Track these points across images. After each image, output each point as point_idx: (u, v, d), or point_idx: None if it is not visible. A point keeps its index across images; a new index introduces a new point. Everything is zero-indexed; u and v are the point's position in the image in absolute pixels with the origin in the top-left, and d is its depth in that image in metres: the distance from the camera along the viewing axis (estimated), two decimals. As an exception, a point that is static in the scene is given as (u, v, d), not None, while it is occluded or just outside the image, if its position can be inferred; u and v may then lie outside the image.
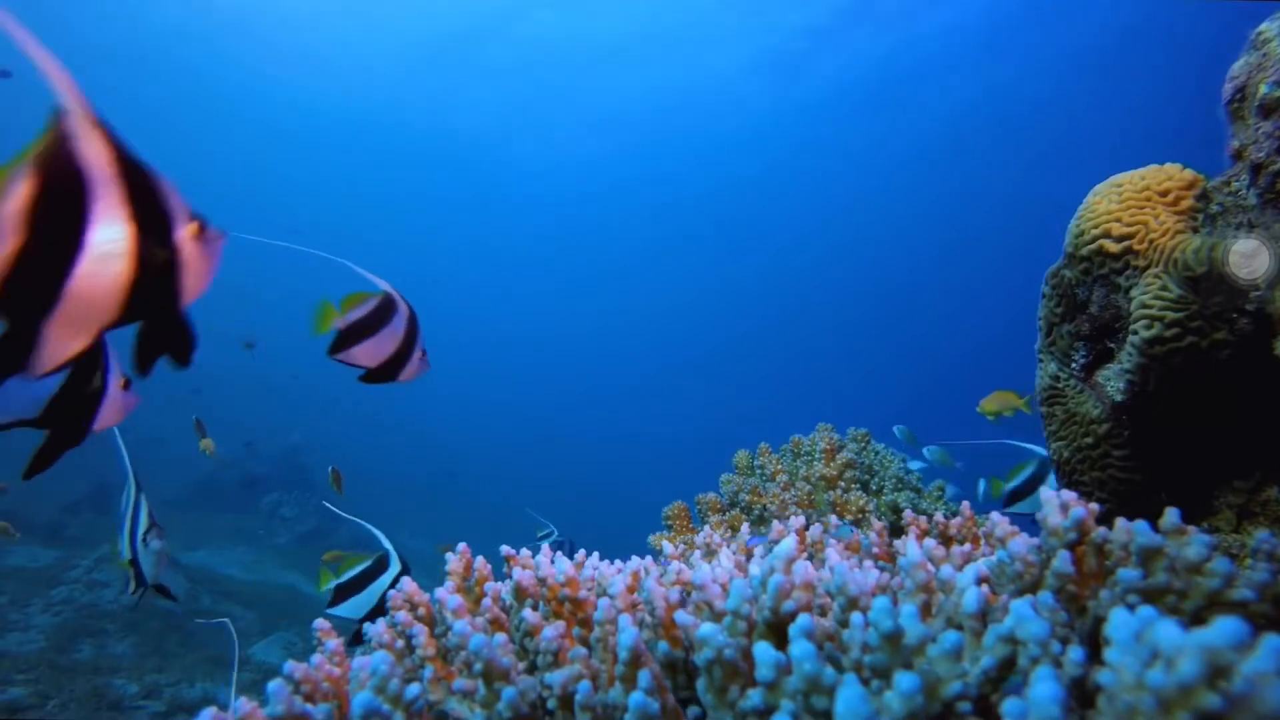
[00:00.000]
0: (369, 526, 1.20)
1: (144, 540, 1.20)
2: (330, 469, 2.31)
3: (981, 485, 2.11)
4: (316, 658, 0.60)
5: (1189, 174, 0.91)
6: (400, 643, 0.65)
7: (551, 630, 0.56)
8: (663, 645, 0.53)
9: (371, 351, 0.96)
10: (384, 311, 0.95)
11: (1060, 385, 1.00)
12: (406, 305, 0.98)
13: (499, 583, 0.72)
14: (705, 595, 0.52)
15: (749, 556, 0.88)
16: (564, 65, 12.50)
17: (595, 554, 0.78)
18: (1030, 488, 1.28)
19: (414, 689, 0.53)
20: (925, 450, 2.18)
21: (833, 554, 0.71)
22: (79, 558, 4.43)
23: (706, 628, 0.45)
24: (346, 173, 16.45)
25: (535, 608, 0.63)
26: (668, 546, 0.91)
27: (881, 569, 0.77)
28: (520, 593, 0.64)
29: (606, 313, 22.53)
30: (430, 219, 18.98)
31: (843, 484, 1.27)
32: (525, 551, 0.73)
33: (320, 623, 0.70)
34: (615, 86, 13.29)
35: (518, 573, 0.64)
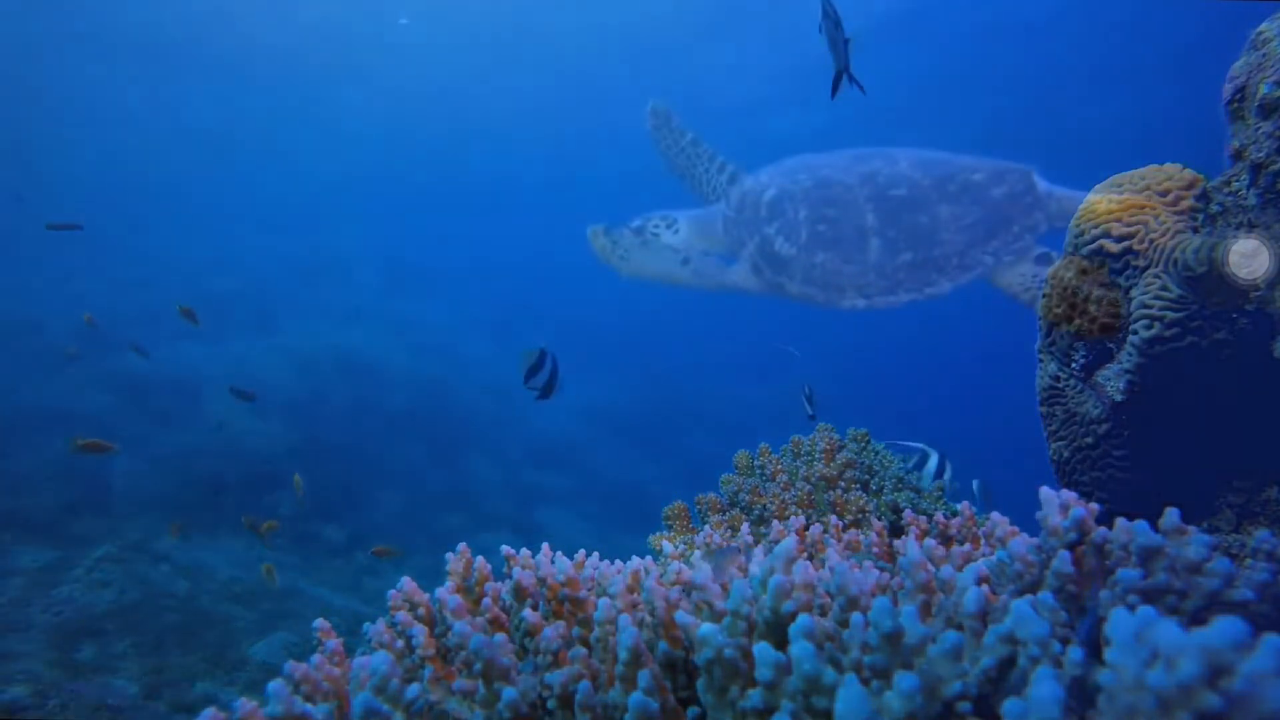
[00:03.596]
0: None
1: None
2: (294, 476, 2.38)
3: (975, 484, 2.10)
4: (316, 658, 0.60)
5: (1189, 174, 0.91)
6: (400, 643, 0.65)
7: (551, 630, 0.56)
8: (663, 645, 0.53)
9: None
10: None
11: (1060, 385, 1.00)
12: None
13: (499, 582, 0.72)
14: (705, 595, 0.51)
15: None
16: (580, 66, 12.52)
17: (595, 554, 0.78)
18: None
19: (414, 689, 0.53)
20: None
21: (833, 554, 0.71)
22: (79, 558, 4.42)
23: (706, 628, 0.45)
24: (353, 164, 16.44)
25: (535, 608, 0.63)
26: (668, 546, 0.91)
27: (881, 569, 0.77)
28: (520, 593, 0.64)
29: (607, 312, 22.53)
30: (434, 214, 18.99)
31: (843, 484, 1.27)
32: (525, 551, 0.73)
33: (320, 622, 0.70)
34: (616, 85, 13.30)
35: (518, 572, 0.64)
